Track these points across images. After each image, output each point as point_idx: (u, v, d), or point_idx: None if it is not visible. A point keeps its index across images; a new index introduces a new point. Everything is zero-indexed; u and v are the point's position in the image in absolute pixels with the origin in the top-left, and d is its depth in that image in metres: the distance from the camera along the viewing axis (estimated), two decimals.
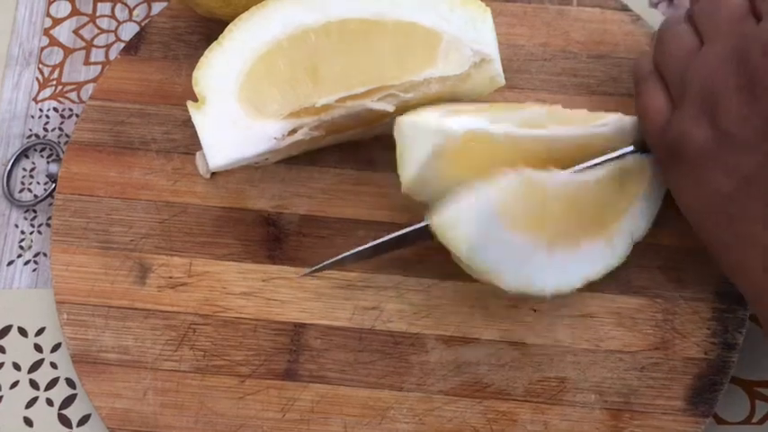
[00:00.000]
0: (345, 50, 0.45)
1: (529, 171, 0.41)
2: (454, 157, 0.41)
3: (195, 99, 0.48)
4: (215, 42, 0.44)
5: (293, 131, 0.44)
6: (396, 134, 0.42)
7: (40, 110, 0.53)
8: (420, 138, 0.41)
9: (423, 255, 0.47)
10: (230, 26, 0.45)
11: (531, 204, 0.41)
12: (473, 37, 0.45)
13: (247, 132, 0.44)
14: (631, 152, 0.44)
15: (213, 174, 0.48)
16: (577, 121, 0.45)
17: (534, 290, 0.42)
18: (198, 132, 0.43)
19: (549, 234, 0.41)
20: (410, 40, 0.45)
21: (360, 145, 0.49)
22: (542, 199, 0.41)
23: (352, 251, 0.44)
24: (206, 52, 0.44)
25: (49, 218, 0.49)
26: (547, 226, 0.41)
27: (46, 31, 0.55)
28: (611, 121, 0.45)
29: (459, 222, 0.39)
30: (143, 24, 0.53)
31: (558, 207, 0.42)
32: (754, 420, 0.46)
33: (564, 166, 0.43)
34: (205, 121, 0.44)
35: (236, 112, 0.44)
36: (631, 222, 0.45)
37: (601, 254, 0.44)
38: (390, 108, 0.44)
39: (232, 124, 0.43)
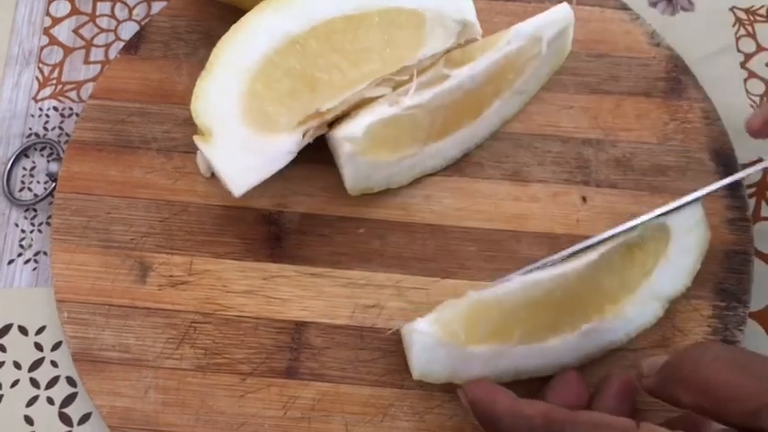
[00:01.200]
0: (337, 51, 0.45)
1: (473, 294, 0.42)
2: (371, 148, 0.44)
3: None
4: (204, 71, 0.44)
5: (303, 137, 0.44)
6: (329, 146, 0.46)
7: (40, 109, 0.53)
8: (339, 147, 0.44)
9: (422, 253, 0.47)
10: (215, 51, 0.44)
11: (486, 318, 0.42)
12: (454, 7, 0.46)
13: (262, 153, 0.43)
14: None
15: (213, 173, 0.48)
16: (482, 49, 0.47)
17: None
18: (212, 165, 0.43)
19: (518, 335, 0.42)
20: (396, 27, 0.45)
21: None
22: (499, 311, 0.42)
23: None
24: (198, 82, 0.43)
25: (50, 217, 0.49)
26: (515, 330, 0.42)
27: (46, 31, 0.55)
28: (513, 36, 0.47)
29: (411, 357, 0.41)
30: (143, 23, 0.53)
31: (523, 311, 0.42)
32: None
33: (482, 100, 0.47)
34: (217, 152, 0.43)
35: (245, 136, 0.43)
36: (656, 286, 0.44)
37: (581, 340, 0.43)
38: (388, 91, 0.45)
39: (245, 149, 0.43)
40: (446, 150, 0.48)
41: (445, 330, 0.41)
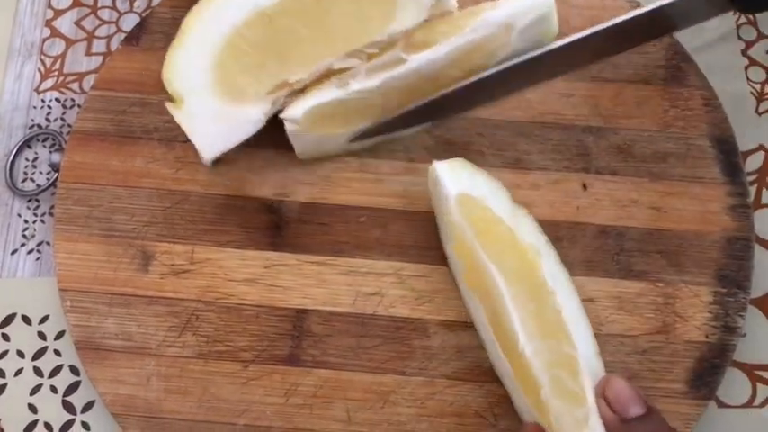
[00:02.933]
0: (307, 24, 0.45)
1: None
2: (316, 126, 0.45)
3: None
4: (175, 41, 0.45)
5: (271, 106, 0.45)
6: None
7: (42, 100, 0.53)
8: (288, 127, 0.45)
9: (423, 240, 0.47)
10: (186, 21, 0.45)
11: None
12: None
13: (231, 121, 0.44)
14: None
15: (215, 162, 0.48)
16: (446, 33, 0.46)
17: None
18: (184, 130, 0.44)
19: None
20: (367, 0, 0.45)
21: None
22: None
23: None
24: (169, 51, 0.45)
25: (52, 207, 0.50)
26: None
27: (47, 23, 0.55)
28: (480, 24, 0.45)
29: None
30: (144, 15, 0.54)
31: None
32: (755, 403, 0.46)
33: (444, 82, 0.46)
34: (187, 119, 0.44)
35: (214, 106, 0.44)
36: None
37: None
38: (357, 63, 0.45)
39: (215, 117, 0.44)
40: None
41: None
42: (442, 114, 0.48)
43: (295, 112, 0.45)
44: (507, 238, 0.42)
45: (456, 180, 0.43)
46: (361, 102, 0.46)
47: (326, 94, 0.45)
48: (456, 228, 0.43)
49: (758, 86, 0.53)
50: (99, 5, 0.55)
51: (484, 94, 0.47)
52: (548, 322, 0.40)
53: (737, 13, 0.55)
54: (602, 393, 0.38)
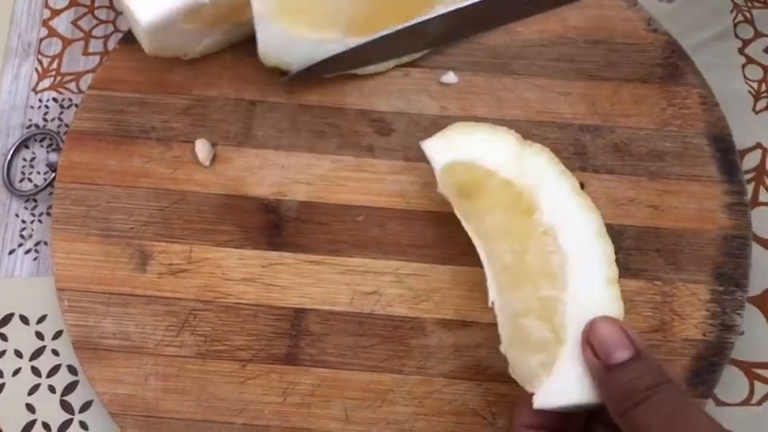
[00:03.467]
0: None
1: None
2: (283, 14, 0.46)
3: (193, 88, 0.48)
4: None
5: None
6: None
7: (40, 100, 0.53)
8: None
9: (420, 239, 0.47)
10: None
11: None
12: None
13: None
14: None
15: (212, 161, 0.49)
16: None
17: None
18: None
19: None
20: None
21: (358, 132, 0.49)
22: None
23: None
24: None
25: (50, 207, 0.50)
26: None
27: (45, 23, 0.55)
28: None
29: None
30: None
31: None
32: (753, 401, 0.46)
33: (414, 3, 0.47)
34: None
35: None
36: None
37: None
38: None
39: None
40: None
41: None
42: (404, 50, 0.48)
43: None
44: (499, 189, 0.42)
45: (445, 150, 0.44)
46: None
47: None
48: (448, 198, 0.44)
49: (755, 85, 0.53)
50: (96, 5, 0.55)
51: (429, 32, 0.47)
52: (525, 270, 0.39)
53: (735, 12, 0.55)
54: (587, 339, 0.36)
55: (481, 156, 0.43)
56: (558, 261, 0.39)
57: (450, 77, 0.50)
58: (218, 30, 0.48)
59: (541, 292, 0.39)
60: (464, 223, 0.42)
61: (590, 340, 0.36)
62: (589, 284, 0.39)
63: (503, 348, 0.39)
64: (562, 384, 0.37)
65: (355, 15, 0.47)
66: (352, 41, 0.47)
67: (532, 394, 0.37)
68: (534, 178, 0.42)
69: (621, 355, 0.35)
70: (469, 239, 0.45)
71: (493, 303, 0.40)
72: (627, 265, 0.46)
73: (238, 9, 0.47)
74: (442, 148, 0.44)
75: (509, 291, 0.40)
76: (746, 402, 0.46)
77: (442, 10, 0.46)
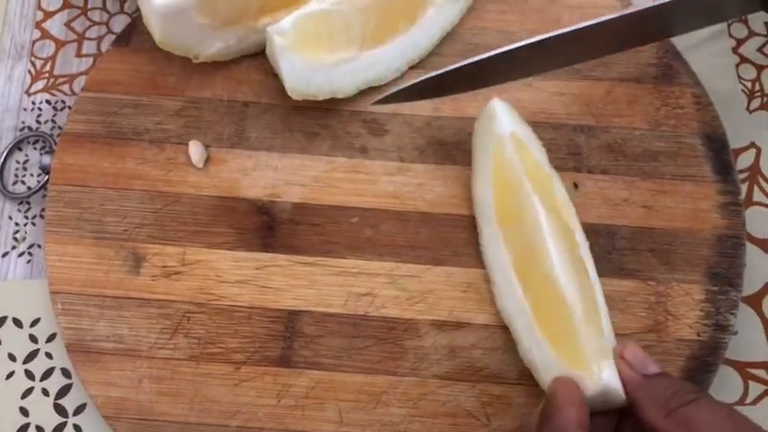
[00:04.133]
0: None
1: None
2: (303, 44, 0.46)
3: (187, 90, 0.48)
4: None
5: None
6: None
7: (33, 102, 0.53)
8: (271, 45, 0.47)
9: (414, 241, 0.47)
10: None
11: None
12: None
13: None
14: None
15: (206, 163, 0.48)
16: None
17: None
18: None
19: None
20: None
21: (351, 133, 0.49)
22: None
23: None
24: None
25: (43, 209, 0.49)
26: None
27: (38, 24, 0.55)
28: None
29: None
30: (134, 16, 0.53)
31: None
32: (747, 401, 0.46)
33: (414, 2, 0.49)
34: None
35: None
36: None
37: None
38: None
39: None
40: (387, 59, 0.49)
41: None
42: (447, 91, 0.48)
43: (282, 24, 0.46)
44: (547, 183, 0.44)
45: (511, 120, 0.45)
46: (341, 18, 0.47)
47: (310, 6, 0.47)
48: (506, 164, 0.45)
49: (749, 84, 0.53)
50: (89, 6, 0.55)
51: (488, 73, 0.47)
52: (576, 261, 0.42)
53: None
54: (621, 355, 0.39)
55: (531, 144, 0.45)
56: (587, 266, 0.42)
57: None
58: (232, 33, 0.48)
59: (586, 284, 0.42)
60: (530, 191, 0.44)
61: (625, 356, 0.39)
62: (601, 296, 0.42)
63: (577, 322, 0.40)
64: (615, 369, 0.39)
65: (367, 27, 0.48)
66: (367, 54, 0.48)
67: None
68: (561, 193, 0.45)
69: (654, 368, 0.38)
70: (464, 240, 0.45)
71: (558, 273, 0.41)
72: (621, 266, 0.46)
73: (253, 11, 0.47)
74: (509, 117, 0.46)
75: (571, 271, 0.42)
76: (741, 402, 0.46)
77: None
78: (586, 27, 0.44)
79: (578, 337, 0.40)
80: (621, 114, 0.50)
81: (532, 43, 0.44)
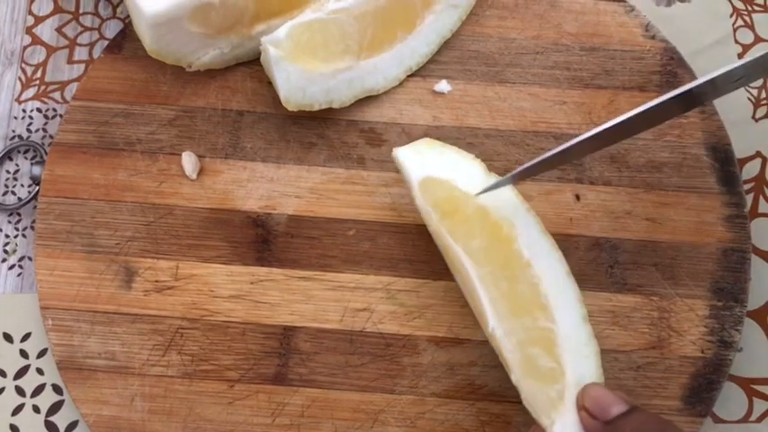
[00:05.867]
0: None
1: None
2: (298, 54, 0.45)
3: (180, 99, 0.47)
4: None
5: None
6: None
7: (23, 110, 0.52)
8: (266, 55, 0.45)
9: (412, 254, 0.46)
10: None
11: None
12: None
13: None
14: None
15: (199, 174, 0.47)
16: None
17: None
18: None
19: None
20: None
21: (348, 143, 0.48)
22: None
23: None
24: None
25: (34, 221, 0.48)
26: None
27: (28, 30, 0.54)
28: None
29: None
30: (127, 21, 0.52)
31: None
32: (752, 419, 0.45)
33: (412, 11, 0.47)
34: None
35: None
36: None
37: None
38: None
39: None
40: (385, 67, 0.48)
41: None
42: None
43: (276, 34, 0.45)
44: (477, 215, 0.41)
45: (420, 163, 0.43)
46: (337, 27, 0.46)
47: (305, 15, 0.46)
48: (422, 212, 0.42)
49: (755, 92, 0.52)
50: (81, 12, 0.54)
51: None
52: (521, 299, 0.39)
53: (734, 16, 0.54)
54: (581, 405, 0.37)
55: (456, 178, 0.42)
56: (544, 293, 0.39)
57: (444, 86, 0.49)
58: (225, 41, 0.47)
59: (539, 323, 0.38)
60: (449, 240, 0.41)
61: (584, 404, 0.37)
62: (571, 320, 0.39)
63: (514, 379, 0.39)
64: (575, 416, 0.37)
65: (364, 36, 0.47)
66: (365, 63, 0.47)
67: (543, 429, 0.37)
68: (506, 212, 0.41)
69: (617, 409, 0.36)
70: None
71: (493, 330, 0.39)
72: (623, 280, 0.45)
73: (246, 19, 0.46)
74: (417, 161, 0.43)
75: (510, 318, 0.39)
76: (745, 419, 0.45)
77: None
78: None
79: (522, 393, 0.38)
80: None
81: (613, 126, 0.39)
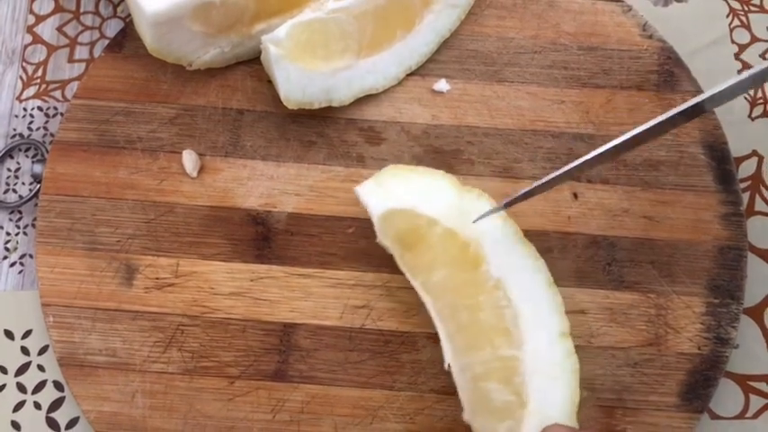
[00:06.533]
0: None
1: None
2: (299, 53, 0.45)
3: (180, 97, 0.48)
4: None
5: None
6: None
7: (24, 109, 0.52)
8: (266, 54, 0.45)
9: None
10: None
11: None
12: None
13: None
14: None
15: (200, 172, 0.48)
16: None
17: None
18: None
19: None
20: None
21: (348, 142, 0.48)
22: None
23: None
24: None
25: (35, 219, 0.49)
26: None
27: (29, 29, 0.54)
28: None
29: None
30: (127, 20, 0.53)
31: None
32: (748, 415, 0.46)
33: (411, 10, 0.48)
34: None
35: None
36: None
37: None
38: None
39: None
40: (384, 67, 0.49)
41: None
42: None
43: (277, 33, 0.45)
44: (443, 239, 0.41)
45: (382, 196, 0.42)
46: (337, 27, 0.46)
47: (305, 15, 0.46)
48: (387, 248, 0.43)
49: (751, 91, 0.52)
50: (82, 10, 0.54)
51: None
52: (482, 328, 0.39)
53: (731, 16, 0.54)
54: None
55: (420, 203, 0.42)
56: (512, 316, 0.38)
57: (442, 85, 0.50)
58: (226, 40, 0.47)
59: (500, 352, 0.38)
60: (410, 278, 0.41)
61: None
62: (544, 340, 0.38)
63: (466, 417, 0.39)
64: None
65: (364, 35, 0.47)
66: (364, 62, 0.48)
67: None
68: (477, 228, 0.41)
69: None
70: None
71: (449, 366, 0.39)
72: (620, 278, 0.46)
73: (247, 18, 0.46)
74: (379, 194, 0.42)
75: (466, 352, 0.39)
76: (742, 416, 0.46)
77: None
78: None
79: (492, 419, 0.38)
80: (622, 123, 0.49)
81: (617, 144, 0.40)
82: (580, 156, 0.47)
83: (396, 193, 0.42)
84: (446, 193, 0.42)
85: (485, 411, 0.38)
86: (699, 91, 0.49)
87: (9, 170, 0.51)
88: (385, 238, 0.42)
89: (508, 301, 0.39)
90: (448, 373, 0.44)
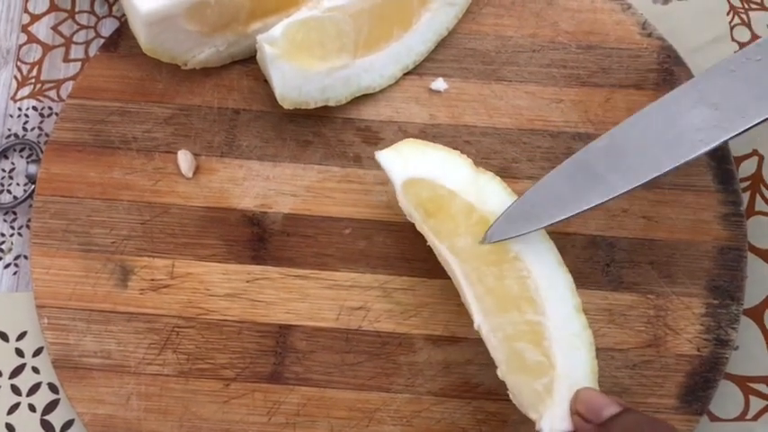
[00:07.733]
0: None
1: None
2: (294, 52, 0.45)
3: (176, 97, 0.47)
4: None
5: None
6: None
7: (19, 109, 0.52)
8: (262, 53, 0.45)
9: (409, 253, 0.46)
10: None
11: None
12: None
13: None
14: None
15: (195, 172, 0.47)
16: None
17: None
18: None
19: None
20: None
21: (345, 142, 0.48)
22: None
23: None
24: None
25: (30, 220, 0.48)
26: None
27: (24, 28, 0.53)
28: None
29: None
30: (123, 19, 0.52)
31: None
32: (748, 417, 0.45)
33: (408, 8, 0.47)
34: None
35: None
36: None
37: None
38: None
39: None
40: (381, 66, 0.48)
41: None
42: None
43: (272, 32, 0.44)
44: (464, 211, 0.41)
45: (403, 165, 0.42)
46: (333, 26, 0.45)
47: (301, 13, 0.45)
48: (407, 214, 0.42)
49: None
50: (77, 9, 0.54)
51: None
52: (509, 294, 0.39)
53: (731, 14, 0.54)
54: (574, 409, 0.37)
55: (440, 176, 0.42)
56: (533, 286, 0.39)
57: (440, 84, 0.49)
58: (221, 39, 0.47)
59: (527, 317, 0.38)
60: (434, 240, 0.41)
61: (576, 407, 0.37)
62: (562, 312, 0.39)
63: (501, 374, 0.39)
64: (564, 409, 0.37)
65: (360, 34, 0.47)
66: (361, 61, 0.47)
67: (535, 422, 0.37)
68: (493, 205, 0.41)
69: (610, 410, 0.36)
70: None
71: (479, 326, 0.39)
72: (620, 279, 0.45)
73: (242, 17, 0.46)
74: (399, 163, 0.42)
75: (496, 314, 0.39)
76: (741, 418, 0.45)
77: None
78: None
79: (509, 387, 0.38)
80: (621, 122, 0.48)
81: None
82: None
83: (415, 163, 0.42)
84: (463, 170, 0.42)
85: (520, 370, 0.38)
86: None
87: (3, 170, 0.50)
88: (407, 204, 0.42)
89: (528, 272, 0.39)
90: (445, 375, 0.44)
